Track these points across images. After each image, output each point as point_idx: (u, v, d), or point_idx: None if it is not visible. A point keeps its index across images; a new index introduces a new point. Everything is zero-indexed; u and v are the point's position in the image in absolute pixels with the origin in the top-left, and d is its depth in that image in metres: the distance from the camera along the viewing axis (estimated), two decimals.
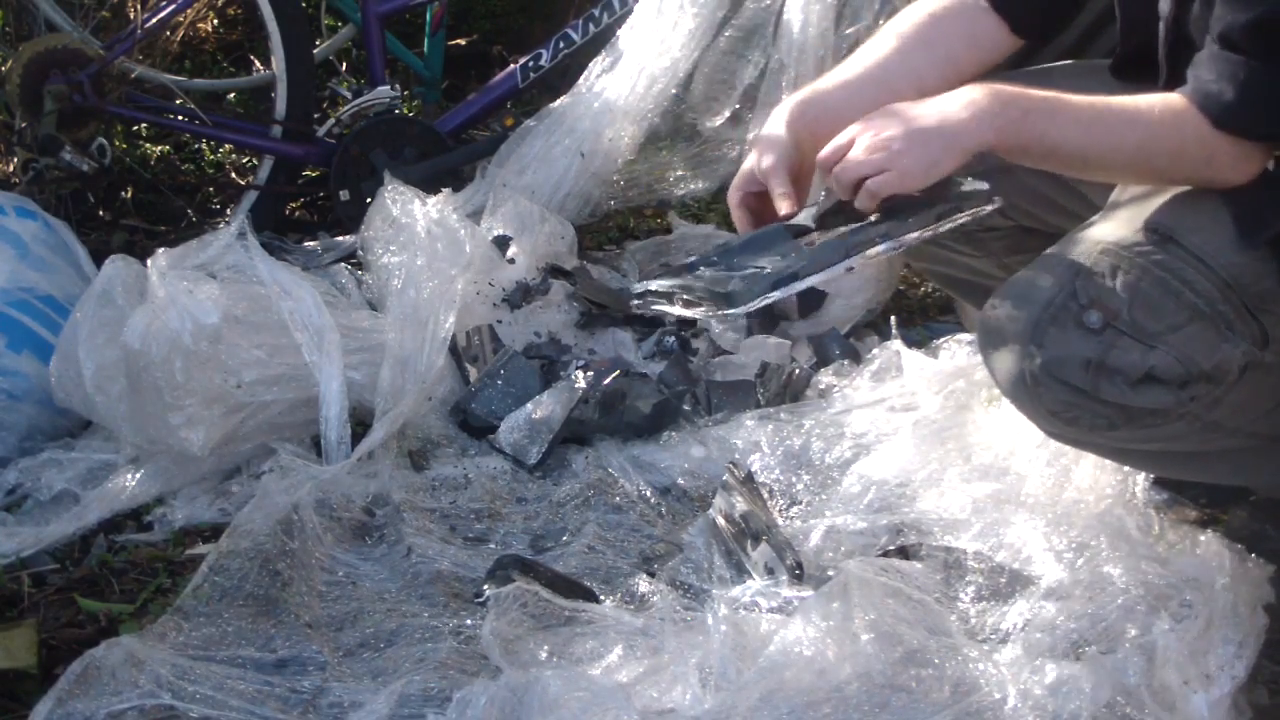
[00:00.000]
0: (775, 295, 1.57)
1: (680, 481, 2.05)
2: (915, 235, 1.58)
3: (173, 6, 2.87)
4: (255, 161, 3.17)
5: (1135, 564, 1.64)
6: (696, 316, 1.63)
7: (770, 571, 1.74)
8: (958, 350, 2.13)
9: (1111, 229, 1.57)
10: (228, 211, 3.10)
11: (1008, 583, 1.71)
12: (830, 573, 1.71)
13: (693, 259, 1.69)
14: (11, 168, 2.91)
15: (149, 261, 2.14)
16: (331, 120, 2.98)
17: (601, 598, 1.77)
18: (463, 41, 3.65)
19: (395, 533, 1.94)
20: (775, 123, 1.75)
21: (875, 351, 2.22)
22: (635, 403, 2.18)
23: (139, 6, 2.98)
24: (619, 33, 2.78)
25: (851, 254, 1.57)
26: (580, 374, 2.22)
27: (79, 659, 1.56)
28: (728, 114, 2.79)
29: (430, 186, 2.50)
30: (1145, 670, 1.50)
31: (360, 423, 2.14)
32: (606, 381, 2.19)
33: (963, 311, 2.53)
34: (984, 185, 1.60)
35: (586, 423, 2.16)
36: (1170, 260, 1.51)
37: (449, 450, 2.16)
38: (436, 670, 1.62)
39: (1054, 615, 1.60)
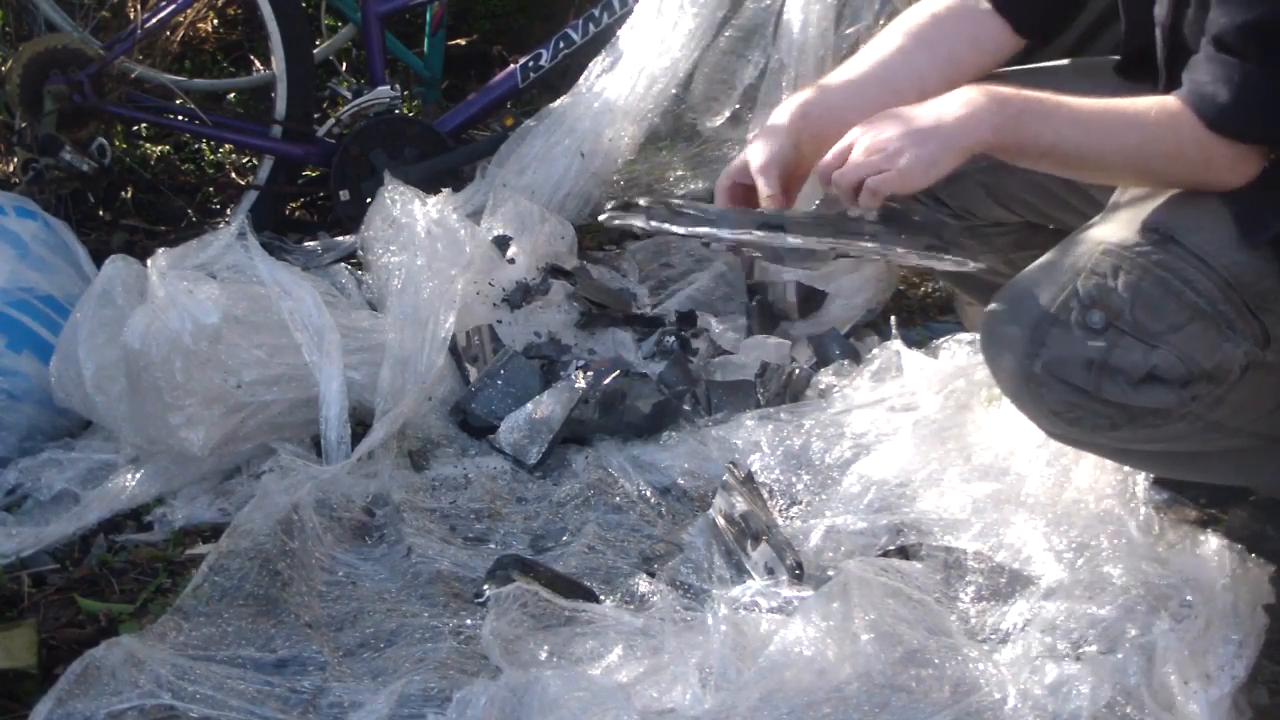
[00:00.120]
0: (757, 236, 1.58)
1: (680, 481, 2.05)
2: (900, 251, 1.59)
3: (173, 6, 2.87)
4: (255, 161, 3.17)
5: (1135, 564, 1.64)
6: (670, 230, 1.62)
7: (770, 571, 1.74)
8: (958, 350, 2.13)
9: (1113, 229, 1.57)
10: (228, 211, 3.10)
11: (1008, 583, 1.71)
12: (830, 573, 1.71)
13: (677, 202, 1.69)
14: (11, 168, 2.91)
15: (149, 261, 2.13)
16: (331, 120, 2.98)
17: (601, 598, 1.77)
18: (463, 41, 3.65)
19: (395, 533, 1.94)
20: (776, 121, 1.75)
21: (875, 351, 2.22)
22: (635, 403, 2.18)
23: (139, 6, 2.98)
24: (619, 33, 2.78)
25: (838, 236, 1.57)
26: (580, 374, 2.22)
27: (79, 659, 1.56)
28: (728, 114, 2.79)
29: (430, 186, 2.50)
30: (1145, 670, 1.50)
31: (360, 423, 2.14)
32: (606, 381, 2.19)
33: (963, 311, 2.53)
34: (977, 254, 1.63)
35: (586, 423, 2.16)
36: (1171, 260, 1.51)
37: (449, 450, 2.16)
38: (436, 670, 1.62)
39: (1054, 615, 1.60)
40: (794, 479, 2.00)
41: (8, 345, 2.20)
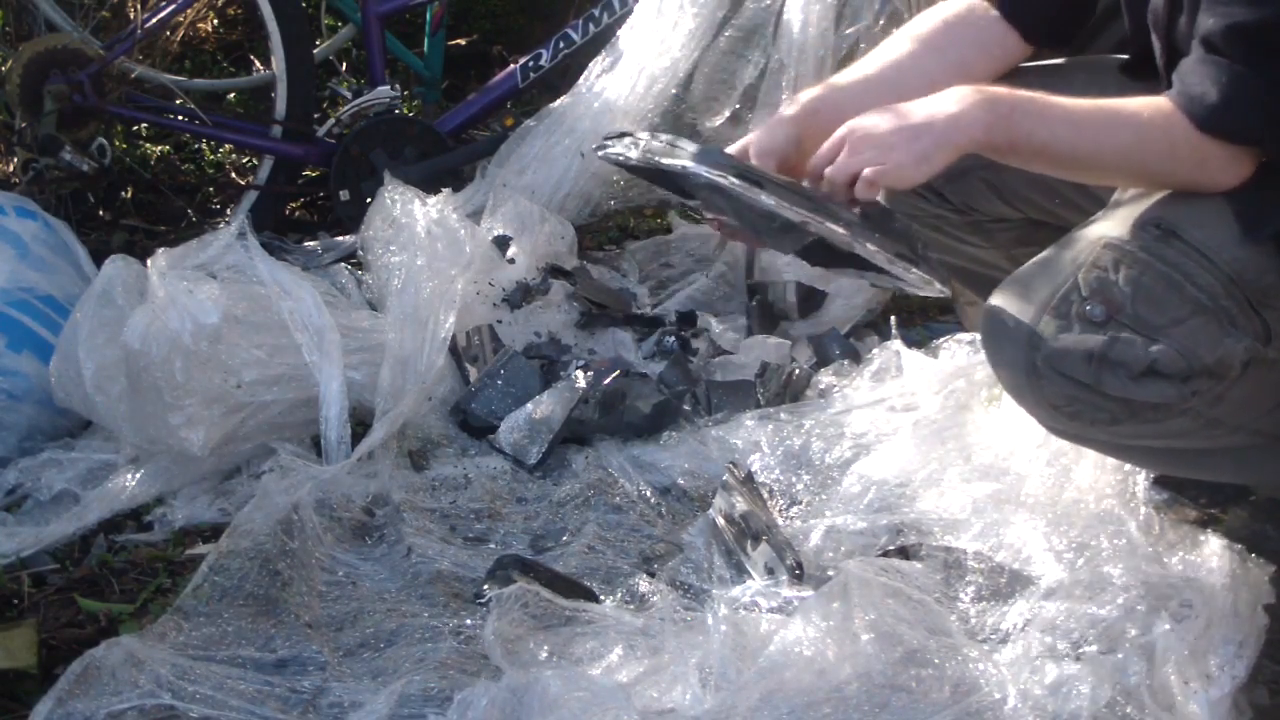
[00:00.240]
0: (733, 183, 1.57)
1: (680, 481, 2.05)
2: (870, 248, 1.59)
3: (173, 6, 2.87)
4: (255, 161, 3.17)
5: (1135, 564, 1.64)
6: (655, 161, 1.62)
7: (770, 571, 1.74)
8: (958, 350, 2.13)
9: (1114, 224, 1.57)
10: (228, 211, 3.10)
11: (1008, 583, 1.71)
12: (830, 573, 1.71)
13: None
14: (12, 168, 2.91)
15: (149, 261, 2.14)
16: (331, 120, 2.98)
17: (601, 598, 1.77)
18: (463, 41, 3.65)
19: (395, 533, 1.94)
20: (784, 114, 1.76)
21: (875, 351, 2.23)
22: (635, 403, 2.18)
23: (139, 6, 2.98)
24: (619, 33, 2.78)
25: (814, 211, 1.58)
26: (580, 374, 2.22)
27: (79, 659, 1.56)
28: (728, 114, 2.78)
29: (430, 186, 2.50)
30: (1145, 670, 1.50)
31: (360, 423, 2.14)
32: (606, 381, 2.19)
33: (963, 312, 2.53)
34: (946, 279, 1.64)
35: (586, 423, 2.16)
36: (1173, 255, 1.51)
37: (449, 450, 2.16)
38: (436, 670, 1.62)
39: (1054, 615, 1.60)
40: (794, 479, 2.00)
41: (8, 345, 2.20)
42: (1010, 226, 1.94)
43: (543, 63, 2.98)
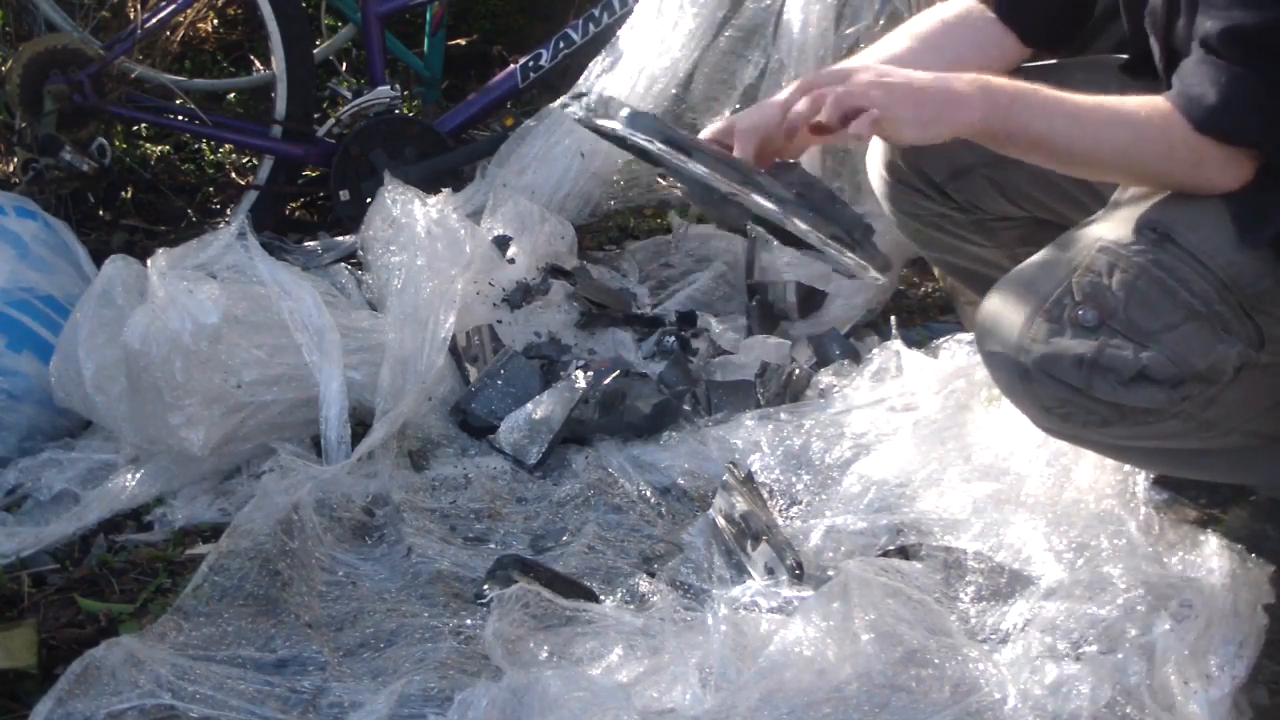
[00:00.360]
0: (660, 148, 1.59)
1: (680, 481, 2.05)
2: (801, 226, 1.60)
3: (173, 6, 2.87)
4: (255, 161, 3.17)
5: (1135, 564, 1.64)
6: (593, 121, 1.66)
7: (770, 571, 1.74)
8: (957, 350, 2.13)
9: (1110, 227, 1.57)
10: (228, 211, 3.10)
11: (1008, 583, 1.71)
12: (830, 573, 1.71)
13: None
14: (12, 168, 2.91)
15: (149, 261, 2.14)
16: (331, 120, 2.98)
17: (602, 598, 1.77)
18: (463, 41, 3.65)
19: (395, 533, 1.94)
20: (776, 98, 1.76)
21: (875, 351, 2.22)
22: (635, 403, 2.18)
23: (139, 6, 2.99)
24: (619, 33, 2.78)
25: (742, 184, 1.59)
26: (580, 374, 2.22)
27: (79, 659, 1.56)
28: (728, 114, 2.78)
29: (430, 186, 2.51)
30: (1145, 670, 1.50)
31: (360, 423, 2.14)
32: (606, 381, 2.19)
33: (962, 312, 2.53)
34: (886, 267, 1.66)
35: (586, 423, 2.16)
36: (1168, 259, 1.51)
37: (449, 450, 2.16)
38: (436, 670, 1.62)
39: (1054, 615, 1.60)
40: (794, 479, 2.00)
41: (8, 345, 2.20)
42: (1014, 225, 1.94)
43: (543, 63, 2.98)
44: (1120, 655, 1.53)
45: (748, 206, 1.65)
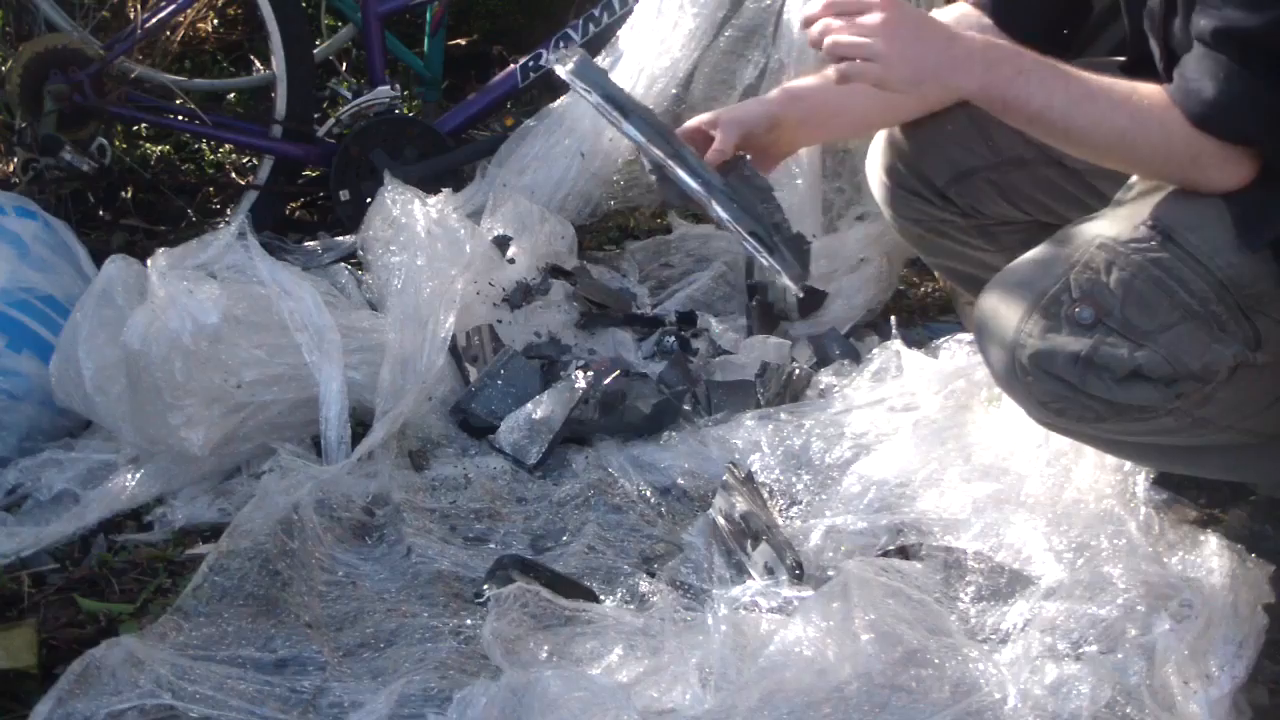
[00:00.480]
0: (597, 101, 1.66)
1: (680, 481, 2.05)
2: (723, 215, 1.64)
3: (173, 6, 2.87)
4: (255, 161, 3.17)
5: (1135, 564, 1.64)
6: (555, 67, 1.74)
7: (770, 571, 1.74)
8: (958, 350, 2.13)
9: (1111, 224, 1.57)
10: (228, 211, 3.10)
11: (1008, 583, 1.71)
12: (830, 573, 1.71)
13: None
14: (12, 168, 2.91)
15: (149, 261, 2.14)
16: (331, 120, 2.98)
17: (601, 598, 1.77)
18: (463, 41, 3.65)
19: (395, 533, 1.94)
20: (768, 95, 1.78)
21: (875, 351, 2.22)
22: (635, 403, 2.18)
23: (139, 6, 2.99)
24: (619, 33, 2.78)
25: (671, 157, 1.64)
26: (580, 374, 2.22)
27: (79, 659, 1.56)
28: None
29: (430, 186, 2.50)
30: (1145, 670, 1.50)
31: (360, 423, 2.14)
32: (606, 381, 2.19)
33: (962, 312, 2.53)
34: (801, 278, 1.70)
35: (586, 423, 2.16)
36: (1166, 258, 1.51)
37: (449, 450, 2.16)
38: (436, 670, 1.62)
39: (1054, 615, 1.60)
40: (794, 479, 2.00)
41: (8, 345, 2.20)
42: (1016, 229, 1.93)
43: (543, 63, 2.97)
44: (1120, 655, 1.53)
45: (676, 184, 1.67)
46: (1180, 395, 1.52)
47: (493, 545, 1.93)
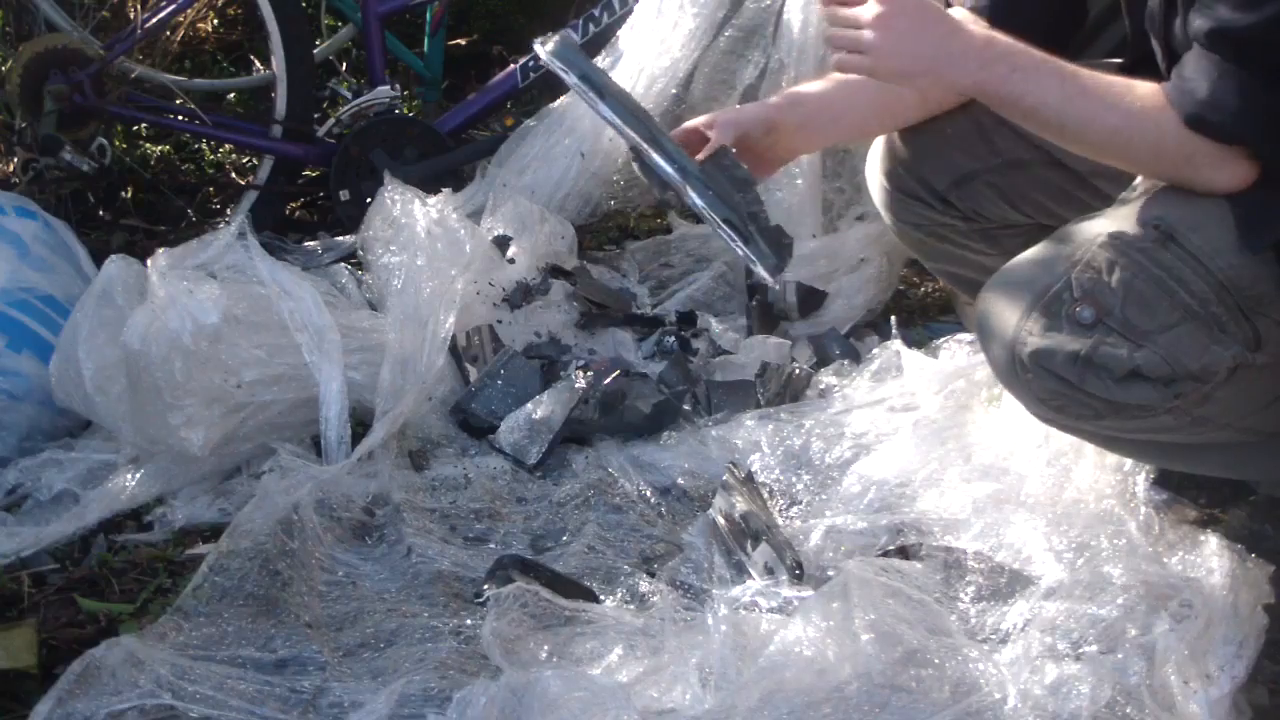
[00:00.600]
0: (574, 81, 1.69)
1: (680, 481, 2.05)
2: (698, 202, 1.66)
3: (173, 6, 2.87)
4: (255, 161, 3.17)
5: (1135, 564, 1.64)
6: (537, 49, 1.79)
7: (770, 571, 1.74)
8: (958, 350, 2.13)
9: (1114, 222, 1.58)
10: (228, 211, 3.10)
11: (1008, 583, 1.71)
12: (830, 573, 1.71)
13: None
14: (12, 168, 2.91)
15: (149, 261, 2.14)
16: (331, 120, 2.98)
17: (601, 598, 1.77)
18: (463, 41, 3.65)
19: (395, 533, 1.94)
20: (769, 99, 1.79)
21: (875, 351, 2.23)
22: (635, 403, 2.18)
23: (139, 6, 2.99)
24: (619, 33, 2.78)
25: (650, 138, 1.66)
26: (580, 374, 2.22)
27: (79, 659, 1.56)
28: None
29: (430, 186, 2.50)
30: (1145, 670, 1.50)
31: (360, 423, 2.14)
32: (606, 381, 2.19)
33: (963, 312, 2.53)
34: (777, 270, 1.71)
35: (586, 423, 2.16)
36: (1168, 259, 1.51)
37: (449, 450, 2.16)
38: (436, 670, 1.62)
39: (1054, 615, 1.60)
40: (794, 479, 2.00)
41: (8, 345, 2.20)
42: (1018, 233, 1.93)
43: (542, 62, 2.97)
44: (1120, 655, 1.53)
45: (652, 169, 1.68)
46: (1179, 395, 1.52)
47: (493, 545, 1.93)
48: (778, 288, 1.71)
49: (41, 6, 2.94)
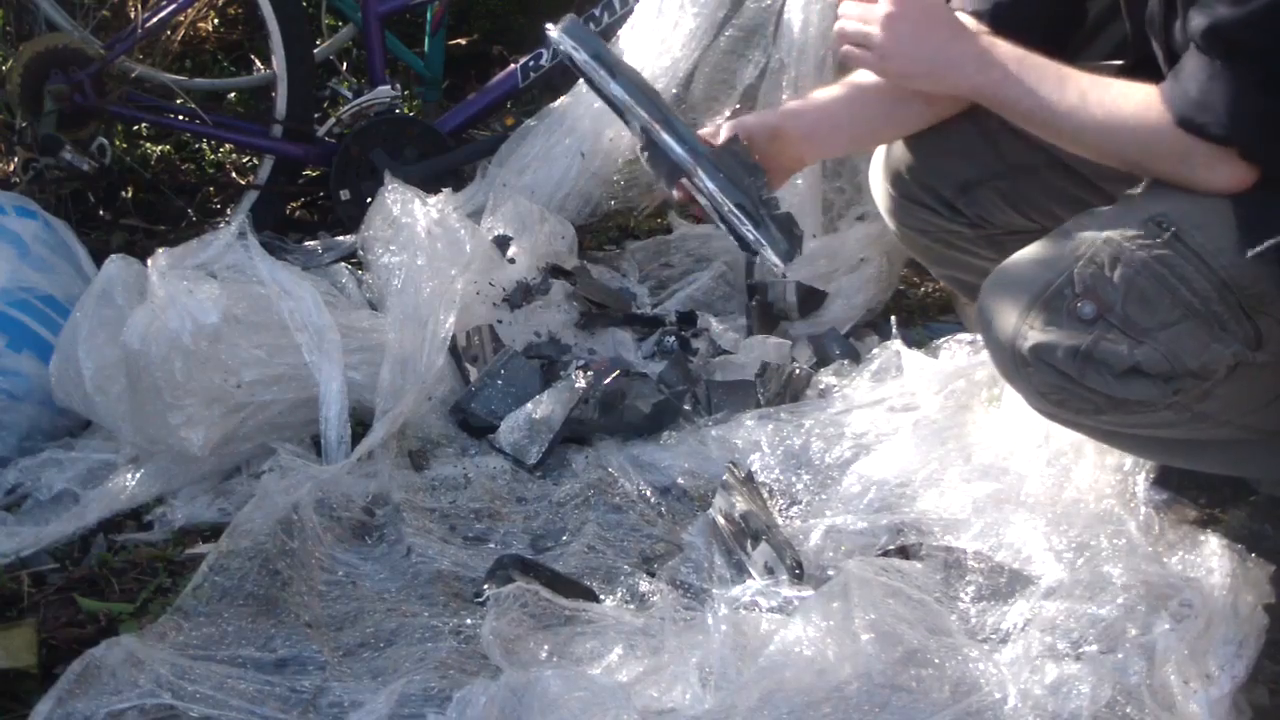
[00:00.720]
0: (585, 59, 1.68)
1: (680, 481, 2.05)
2: (709, 185, 1.66)
3: (173, 6, 2.87)
4: (255, 161, 3.17)
5: (1135, 564, 1.64)
6: (549, 31, 1.77)
7: (770, 571, 1.74)
8: (958, 350, 2.13)
9: (1117, 219, 1.58)
10: (228, 211, 3.10)
11: (1008, 582, 1.71)
12: (830, 572, 1.71)
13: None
14: (12, 167, 2.91)
15: (149, 261, 2.14)
16: (332, 120, 2.98)
17: (601, 597, 1.77)
18: (463, 41, 3.65)
19: (395, 532, 1.94)
20: (778, 108, 1.80)
21: (875, 351, 2.23)
22: (635, 402, 2.18)
23: (139, 6, 2.99)
24: (619, 33, 2.78)
25: (661, 119, 1.66)
26: (580, 374, 2.22)
27: (79, 658, 1.56)
28: (728, 114, 2.78)
29: (430, 186, 2.50)
30: (1145, 670, 1.50)
31: (360, 422, 2.14)
32: (606, 381, 2.19)
33: (963, 312, 2.53)
34: (789, 256, 1.71)
35: (586, 422, 2.16)
36: (1170, 256, 1.52)
37: (449, 450, 2.16)
38: (436, 670, 1.62)
39: (1054, 615, 1.60)
40: (794, 479, 2.00)
41: (8, 345, 2.20)
42: (1025, 238, 1.92)
43: (543, 62, 2.98)
44: (1120, 655, 1.53)
45: (663, 150, 1.68)
46: (1178, 391, 1.53)
47: (493, 545, 1.93)
48: (788, 276, 1.71)
49: (42, 6, 2.94)
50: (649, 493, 2.02)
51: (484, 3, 3.74)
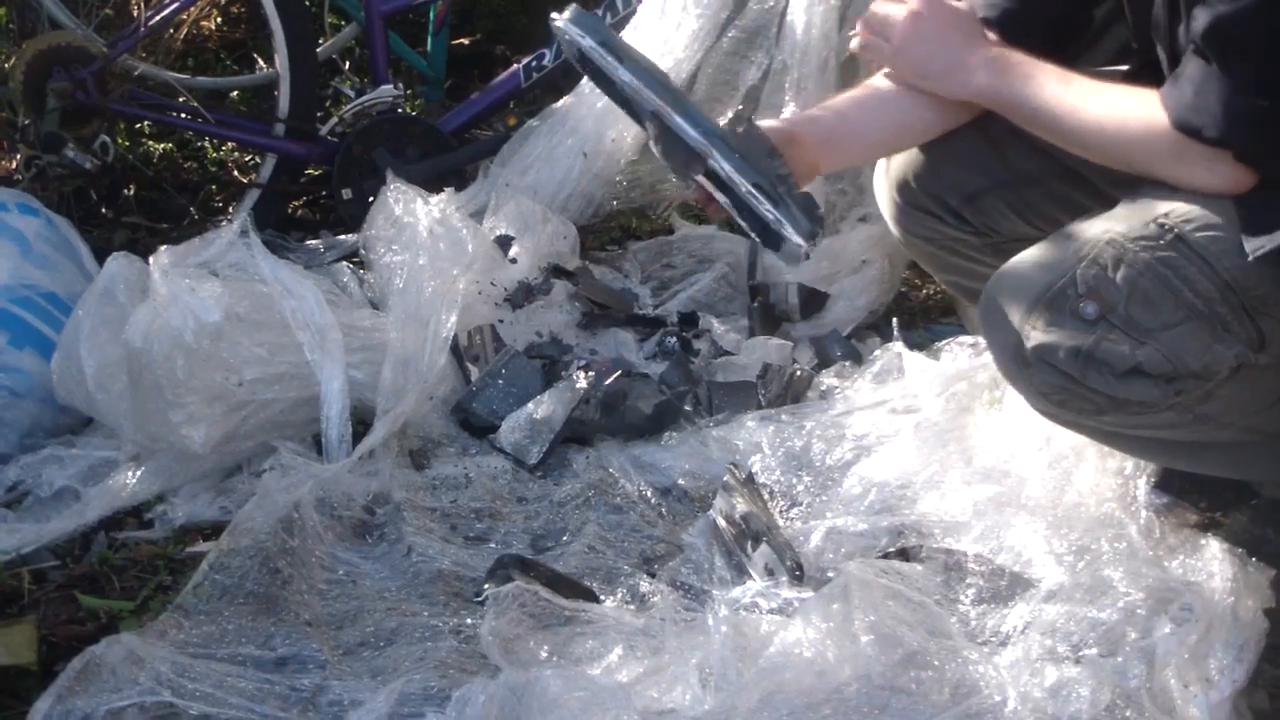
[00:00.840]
0: (592, 46, 1.67)
1: (681, 482, 2.05)
2: (725, 167, 1.64)
3: (176, 4, 2.87)
4: (258, 160, 3.17)
5: (1136, 567, 1.64)
6: (555, 21, 1.74)
7: (770, 572, 1.74)
8: (959, 352, 2.13)
9: (1121, 220, 1.59)
10: (230, 209, 3.10)
11: (1008, 585, 1.71)
12: (830, 574, 1.71)
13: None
14: (15, 165, 2.91)
15: (151, 259, 2.14)
16: (334, 119, 2.99)
17: (602, 598, 1.77)
18: (466, 41, 3.65)
19: (396, 532, 1.94)
20: (788, 115, 1.81)
21: (877, 353, 2.23)
22: (636, 403, 2.18)
23: (142, 4, 2.99)
24: (622, 33, 2.78)
25: (674, 103, 1.65)
26: (582, 374, 2.22)
27: (79, 656, 1.56)
28: (730, 115, 2.78)
29: (433, 186, 2.51)
30: (1145, 674, 1.50)
31: (361, 421, 2.14)
32: (608, 382, 2.19)
33: (964, 314, 2.53)
34: (811, 235, 1.68)
35: (588, 423, 2.16)
36: (1174, 257, 1.52)
37: (450, 449, 2.16)
38: (436, 669, 1.62)
39: (1054, 618, 1.60)
40: (795, 480, 2.00)
41: (10, 342, 2.20)
42: (1029, 246, 1.93)
43: (546, 62, 2.98)
44: (1120, 658, 1.53)
45: (677, 135, 1.66)
46: (1180, 392, 1.53)
47: (493, 545, 1.93)
48: (809, 257, 1.66)
49: (45, 4, 2.94)
50: (650, 493, 2.02)
51: (487, 2, 3.75)
